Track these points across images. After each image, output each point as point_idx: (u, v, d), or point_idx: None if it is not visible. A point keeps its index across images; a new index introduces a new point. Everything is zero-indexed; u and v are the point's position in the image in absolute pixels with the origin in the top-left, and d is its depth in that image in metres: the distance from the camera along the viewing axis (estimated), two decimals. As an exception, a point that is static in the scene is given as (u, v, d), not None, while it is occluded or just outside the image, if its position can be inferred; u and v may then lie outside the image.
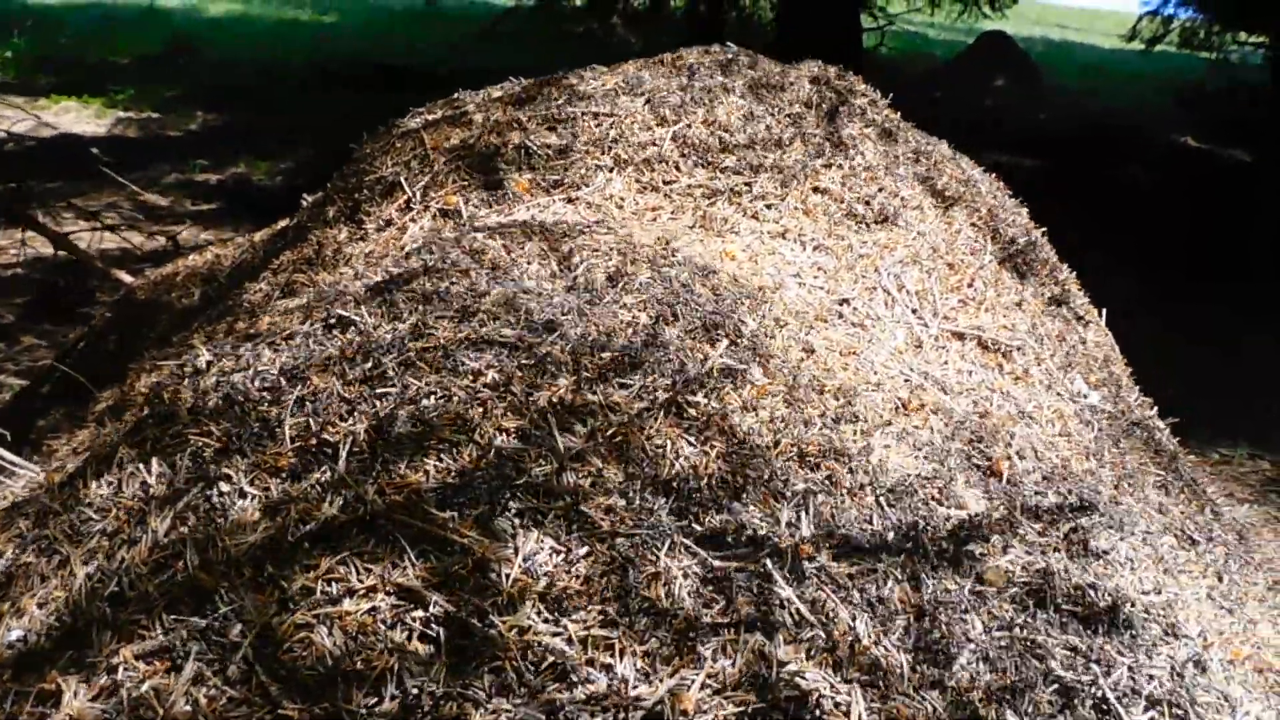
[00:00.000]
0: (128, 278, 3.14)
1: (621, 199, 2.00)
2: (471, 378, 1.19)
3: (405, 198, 2.03)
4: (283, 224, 2.81)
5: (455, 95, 2.41)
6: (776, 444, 1.30)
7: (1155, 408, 2.35)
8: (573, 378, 1.22)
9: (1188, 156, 10.31)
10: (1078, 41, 15.60)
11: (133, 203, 6.31)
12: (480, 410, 1.16)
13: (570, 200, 1.99)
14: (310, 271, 1.98)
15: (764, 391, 1.36)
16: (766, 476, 1.24)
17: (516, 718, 0.96)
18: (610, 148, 2.07)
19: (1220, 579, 1.70)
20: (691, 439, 1.24)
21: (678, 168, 2.06)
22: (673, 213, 1.98)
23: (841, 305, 1.78)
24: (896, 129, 2.28)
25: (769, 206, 2.00)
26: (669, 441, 1.21)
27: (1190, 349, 6.55)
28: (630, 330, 1.35)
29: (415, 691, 0.97)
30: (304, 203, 2.60)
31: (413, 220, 1.97)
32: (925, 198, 2.13)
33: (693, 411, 1.26)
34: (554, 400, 1.18)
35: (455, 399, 1.17)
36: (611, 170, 2.04)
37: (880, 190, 2.07)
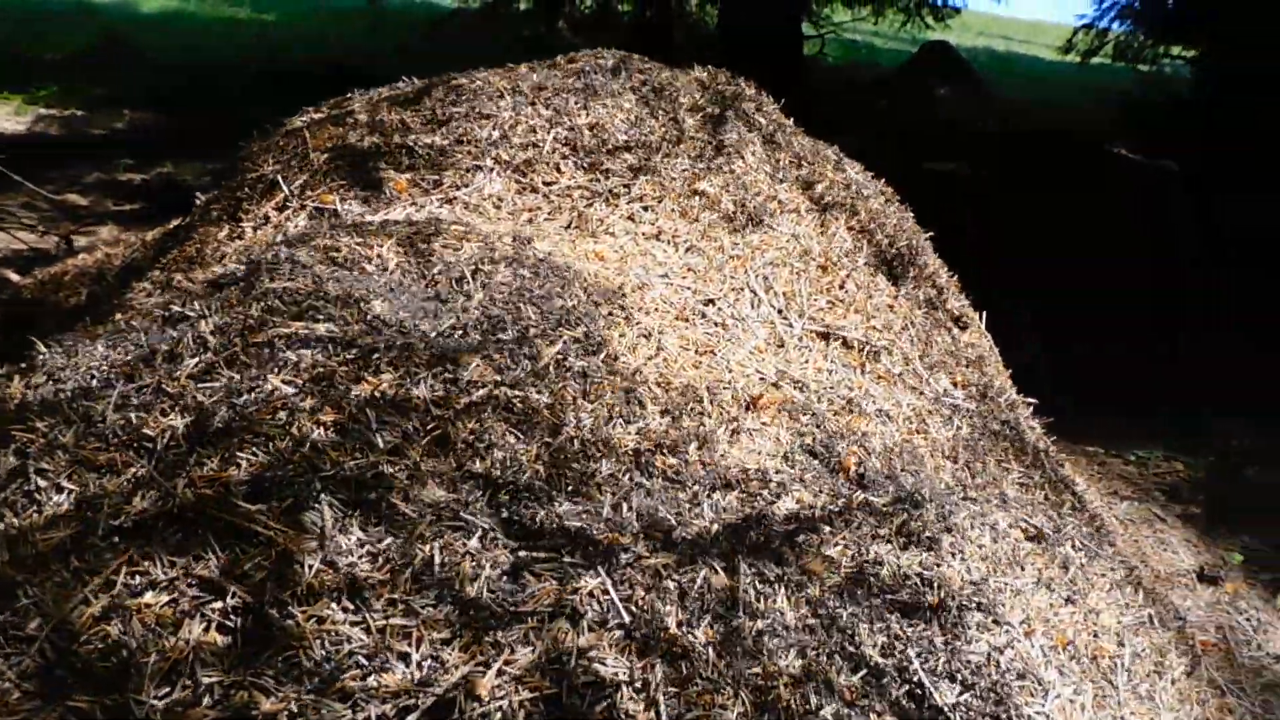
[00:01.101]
0: (15, 276, 3.09)
1: (500, 199, 2.03)
2: (293, 372, 1.21)
3: (283, 196, 2.04)
4: (175, 223, 2.80)
5: (346, 95, 2.42)
6: (608, 439, 1.33)
7: (1031, 408, 2.43)
8: (398, 372, 1.24)
9: (1119, 165, 10.63)
10: (1021, 53, 15.98)
11: (50, 203, 6.19)
12: (299, 404, 1.18)
13: (448, 200, 2.02)
14: (189, 270, 1.98)
15: (602, 388, 1.40)
16: (592, 471, 1.27)
17: (307, 705, 0.98)
18: (492, 149, 2.10)
19: (1066, 569, 1.77)
20: (519, 434, 1.27)
21: (559, 169, 2.10)
22: (550, 213, 2.01)
23: (707, 305, 1.83)
24: (782, 134, 2.34)
25: (646, 209, 2.04)
26: (493, 436, 1.24)
27: (1116, 351, 6.75)
28: (468, 327, 1.38)
29: (207, 681, 0.99)
30: (198, 202, 2.59)
31: (289, 219, 1.98)
32: (804, 202, 2.19)
33: (521, 406, 1.29)
34: (375, 394, 1.20)
35: (276, 393, 1.19)
36: (492, 171, 2.07)
37: (758, 194, 2.13)
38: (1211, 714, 1.83)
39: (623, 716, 1.06)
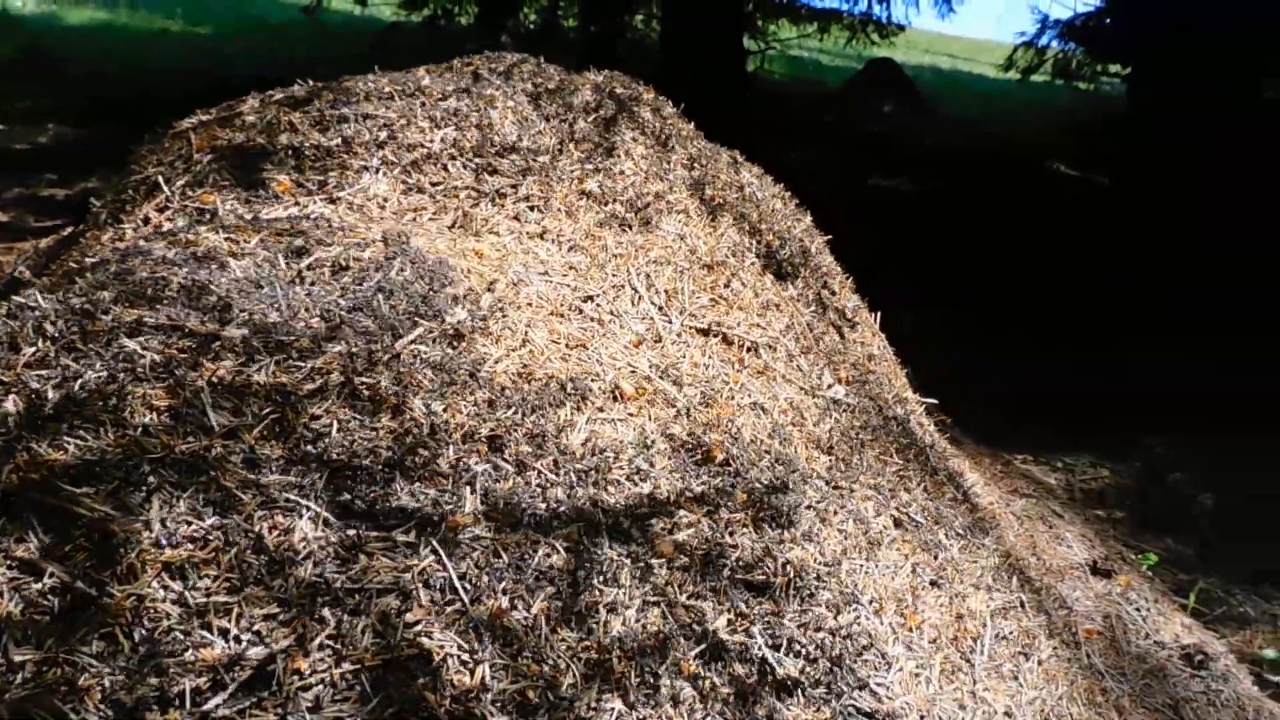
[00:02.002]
0: (-97, 285, 3.05)
1: (385, 199, 2.07)
2: (130, 359, 1.23)
3: (164, 197, 2.06)
4: (69, 230, 2.79)
5: (240, 98, 2.45)
6: (458, 426, 1.38)
7: (922, 406, 2.52)
8: (239, 359, 1.28)
9: (1055, 181, 10.97)
10: (966, 71, 16.42)
11: (-37, 218, 6.08)
12: (133, 389, 1.20)
13: (332, 200, 2.05)
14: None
15: (457, 377, 1.44)
16: (437, 456, 1.31)
17: (120, 680, 1.00)
18: (379, 149, 2.14)
19: (935, 556, 1.85)
20: (363, 420, 1.31)
21: (446, 170, 2.15)
22: (435, 213, 2.06)
23: (585, 302, 1.88)
24: (676, 137, 2.42)
25: (532, 208, 2.10)
26: (335, 422, 1.27)
27: (1053, 362, 6.96)
28: (322, 316, 1.42)
29: (19, 659, 1.01)
30: (93, 207, 2.59)
31: (168, 220, 2.00)
32: (694, 203, 2.27)
33: (368, 394, 1.33)
34: (213, 380, 1.23)
35: (110, 379, 1.22)
36: (378, 171, 2.11)
37: (646, 195, 2.20)
38: (1080, 694, 1.91)
39: (448, 687, 1.10)
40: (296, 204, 2.03)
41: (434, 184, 2.12)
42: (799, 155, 10.64)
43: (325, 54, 10.50)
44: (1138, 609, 2.64)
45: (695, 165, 2.37)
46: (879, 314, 2.59)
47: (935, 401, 2.93)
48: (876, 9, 13.24)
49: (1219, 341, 7.15)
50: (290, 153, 2.13)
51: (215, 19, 12.46)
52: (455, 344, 1.50)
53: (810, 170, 10.38)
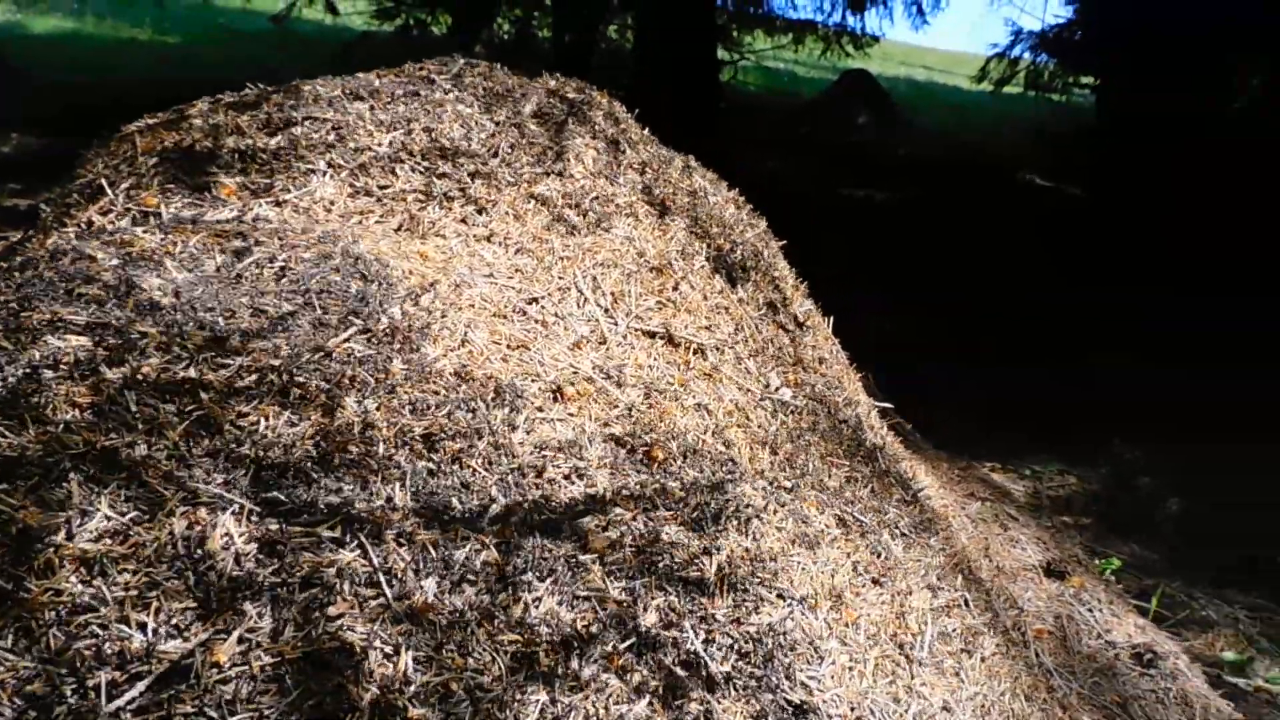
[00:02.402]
0: None
1: (331, 202, 2.08)
2: (54, 355, 1.24)
3: (107, 200, 2.06)
4: (18, 236, 2.78)
5: (191, 102, 2.46)
6: (391, 424, 1.39)
7: (875, 410, 2.56)
8: (166, 356, 1.29)
9: (1029, 192, 11.12)
10: (941, 83, 16.63)
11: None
12: (56, 386, 1.21)
13: (278, 203, 2.06)
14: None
15: (391, 376, 1.46)
16: (367, 453, 1.33)
17: (34, 672, 1.01)
18: (327, 152, 2.16)
19: (878, 555, 1.88)
20: (293, 417, 1.32)
21: (394, 173, 2.16)
22: (382, 216, 2.08)
23: (529, 304, 1.90)
24: (628, 141, 2.45)
25: (480, 211, 2.12)
26: (263, 419, 1.29)
27: (1024, 370, 7.05)
28: (255, 315, 1.43)
29: (-69, 654, 1.01)
30: (42, 213, 2.59)
31: (110, 222, 2.01)
32: (644, 206, 2.30)
33: (299, 392, 1.35)
34: (138, 377, 1.24)
35: (35, 375, 1.22)
36: (326, 174, 2.13)
37: (595, 198, 2.22)
38: (1024, 690, 1.94)
39: (370, 679, 1.11)
40: (241, 206, 2.04)
41: (381, 187, 2.14)
42: (773, 165, 10.75)
43: (295, 63, 10.49)
44: (1090, 609, 2.69)
45: (647, 169, 2.41)
46: (831, 319, 2.63)
47: (891, 405, 2.97)
48: (851, 20, 13.39)
49: (1188, 350, 7.27)
50: (237, 156, 2.14)
51: (184, 28, 12.42)
52: (391, 343, 1.52)
53: (783, 180, 10.50)
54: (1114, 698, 2.35)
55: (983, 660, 1.91)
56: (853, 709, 1.41)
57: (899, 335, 7.39)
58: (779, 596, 1.52)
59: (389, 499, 1.30)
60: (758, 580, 1.51)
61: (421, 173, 2.18)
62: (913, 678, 1.64)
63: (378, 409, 1.40)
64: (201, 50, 11.32)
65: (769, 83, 14.54)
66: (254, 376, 1.32)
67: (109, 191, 2.07)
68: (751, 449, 1.89)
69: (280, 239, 1.75)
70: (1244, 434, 6.22)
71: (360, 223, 2.05)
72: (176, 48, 11.54)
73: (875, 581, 1.81)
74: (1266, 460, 6.04)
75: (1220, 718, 2.43)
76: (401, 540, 1.25)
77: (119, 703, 1.01)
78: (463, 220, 2.09)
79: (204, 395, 1.27)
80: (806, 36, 13.63)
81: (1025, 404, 6.82)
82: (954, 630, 1.91)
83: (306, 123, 2.22)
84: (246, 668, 1.07)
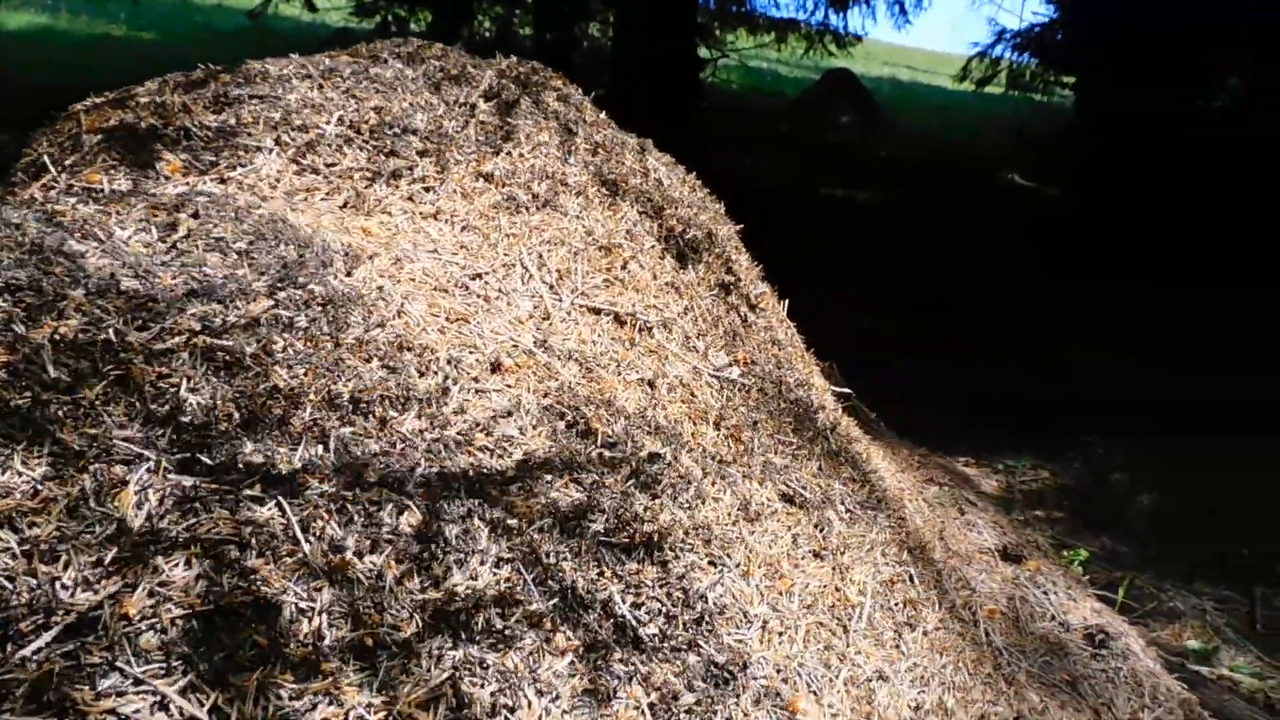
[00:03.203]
0: None
1: (277, 179, 2.09)
2: (-29, 315, 1.25)
3: (50, 177, 2.07)
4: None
5: (140, 81, 2.47)
6: (319, 389, 1.41)
7: (829, 392, 2.59)
8: (86, 318, 1.30)
9: (1009, 191, 11.21)
10: (925, 83, 16.74)
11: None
12: (-27, 345, 1.22)
13: (222, 180, 2.07)
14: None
15: (321, 343, 1.47)
16: (292, 416, 1.34)
17: (-63, 625, 1.02)
18: (274, 130, 2.17)
19: (822, 530, 1.90)
20: (217, 380, 1.33)
21: (342, 151, 2.18)
22: (328, 193, 2.09)
23: (473, 279, 1.92)
24: (582, 123, 2.47)
25: (428, 190, 2.14)
26: (185, 380, 1.30)
27: (1003, 367, 7.10)
28: (183, 281, 1.45)
29: None
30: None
31: (51, 197, 2.01)
32: (595, 187, 2.32)
33: (224, 355, 1.36)
34: (55, 338, 1.25)
35: (-48, 335, 1.23)
36: (272, 152, 2.14)
37: (546, 178, 2.24)
38: (968, 665, 1.97)
39: (283, 633, 1.12)
40: (185, 183, 2.05)
41: (328, 165, 2.15)
42: (752, 163, 10.80)
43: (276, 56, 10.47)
44: (1045, 593, 2.72)
45: (599, 150, 2.43)
46: (786, 302, 2.65)
47: (849, 391, 3.00)
48: (833, 19, 13.47)
49: (1166, 346, 7.35)
50: (183, 134, 2.15)
51: (160, 25, 12.38)
52: (323, 311, 1.53)
53: (763, 178, 10.54)
54: (1063, 676, 2.38)
55: (925, 634, 1.94)
56: (778, 670, 1.43)
57: (879, 332, 7.44)
58: (711, 564, 1.54)
59: (313, 461, 1.31)
60: (690, 548, 1.53)
61: (370, 151, 2.19)
62: (848, 646, 1.66)
63: (306, 374, 1.41)
64: (179, 48, 11.28)
65: (752, 82, 14.60)
66: (178, 339, 1.33)
67: (51, 169, 2.08)
68: (695, 424, 1.91)
69: (219, 212, 1.77)
70: (1220, 429, 6.29)
71: (305, 199, 2.06)
72: (153, 44, 11.51)
73: (816, 555, 1.83)
74: (1242, 455, 6.11)
75: (1170, 697, 2.46)
76: (323, 500, 1.26)
77: (25, 652, 1.02)
78: (409, 198, 2.11)
79: (125, 356, 1.28)
80: (789, 35, 13.70)
81: (1002, 400, 6.88)
82: (897, 604, 1.93)
83: (254, 101, 2.23)
84: (157, 619, 1.08)
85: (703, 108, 12.47)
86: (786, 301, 2.66)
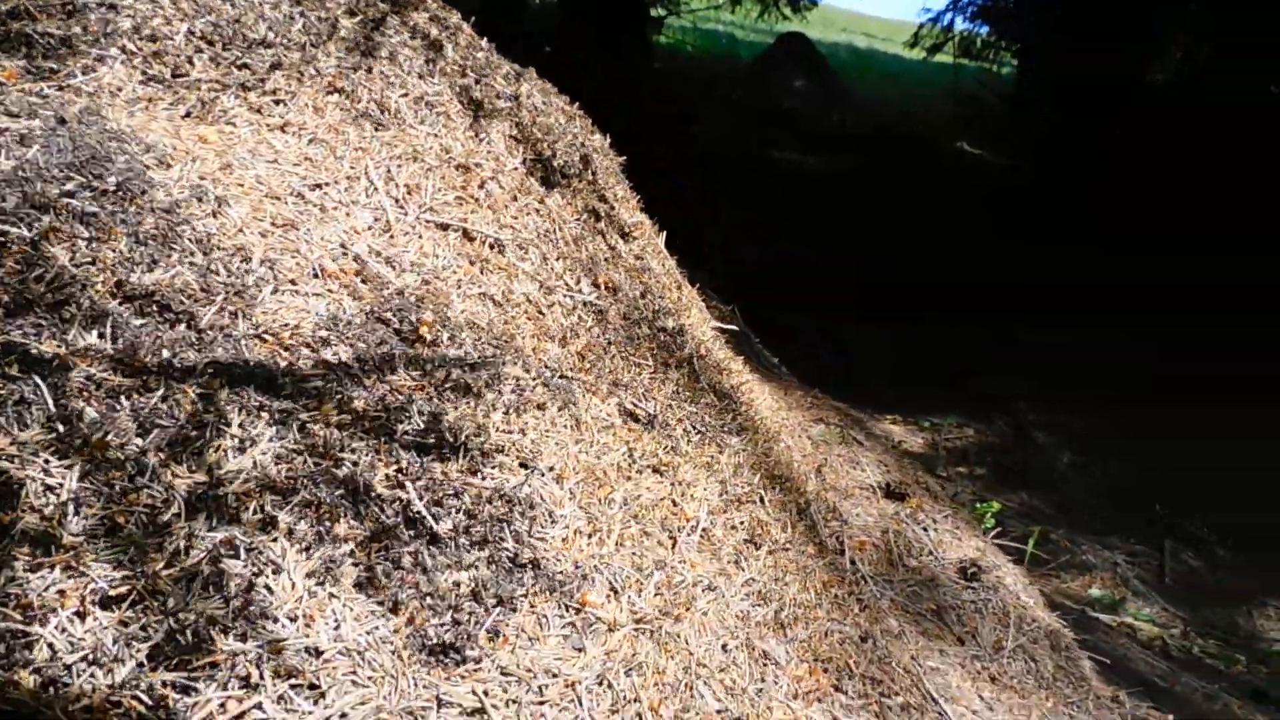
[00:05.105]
0: None
1: (118, 88, 2.04)
2: None
3: (-125, 80, 2.00)
4: None
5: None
6: (108, 278, 1.38)
7: (710, 326, 2.60)
8: None
9: (959, 160, 11.30)
10: (882, 50, 16.77)
11: None
12: None
13: (61, 88, 2.02)
14: None
15: (114, 232, 1.45)
16: (70, 301, 1.32)
17: None
18: (120, 39, 2.11)
19: (664, 448, 1.91)
20: (-11, 262, 1.30)
21: (191, 62, 2.13)
22: (172, 103, 2.04)
23: (312, 189, 1.89)
24: (453, 45, 2.44)
25: (278, 102, 2.10)
26: (-50, 259, 1.27)
27: (944, 333, 7.19)
28: (-35, 166, 1.41)
29: None
30: None
31: (-126, 102, 1.95)
32: (459, 108, 2.29)
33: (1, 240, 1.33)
34: None
35: None
36: (117, 61, 2.09)
37: (405, 95, 2.21)
38: (817, 586, 2.00)
39: (27, 509, 1.10)
40: (23, 91, 1.99)
41: (176, 76, 2.10)
42: (699, 128, 10.77)
43: None
44: (926, 529, 2.76)
45: (468, 72, 2.40)
46: (665, 233, 2.65)
47: (737, 329, 3.02)
48: (788, -18, 13.43)
49: (1108, 315, 7.46)
50: (22, 40, 2.08)
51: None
52: (123, 204, 1.50)
53: (713, 141, 10.51)
54: (930, 606, 2.42)
55: (771, 554, 1.96)
56: (577, 567, 1.44)
57: (823, 292, 7.48)
58: (522, 466, 1.55)
59: (91, 347, 1.29)
60: (501, 450, 1.53)
61: (221, 64, 2.15)
62: (672, 555, 1.67)
63: (92, 262, 1.39)
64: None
65: (707, 45, 14.54)
66: (-55, 219, 1.30)
67: (-124, 71, 2.01)
68: (538, 340, 1.91)
69: (37, 113, 1.72)
70: (1155, 396, 6.42)
71: (146, 109, 2.02)
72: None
73: (655, 470, 1.84)
74: (1172, 421, 6.24)
75: (1037, 628, 2.52)
76: (89, 383, 1.24)
77: None
78: (258, 110, 2.07)
79: (-117, 234, 1.25)
80: (743, -3, 13.63)
81: (935, 362, 6.96)
82: (742, 523, 1.95)
83: (104, 9, 2.17)
84: (-115, 492, 1.06)
85: (655, 70, 12.38)
86: (664, 234, 2.66)
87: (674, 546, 1.70)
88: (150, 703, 1.03)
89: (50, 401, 1.19)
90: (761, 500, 2.06)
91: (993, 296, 7.56)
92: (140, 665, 1.06)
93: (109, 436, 1.20)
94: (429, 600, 1.29)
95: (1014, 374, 6.73)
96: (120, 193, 1.51)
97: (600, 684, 1.29)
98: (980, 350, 7.13)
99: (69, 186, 1.46)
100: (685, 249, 3.10)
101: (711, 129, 10.75)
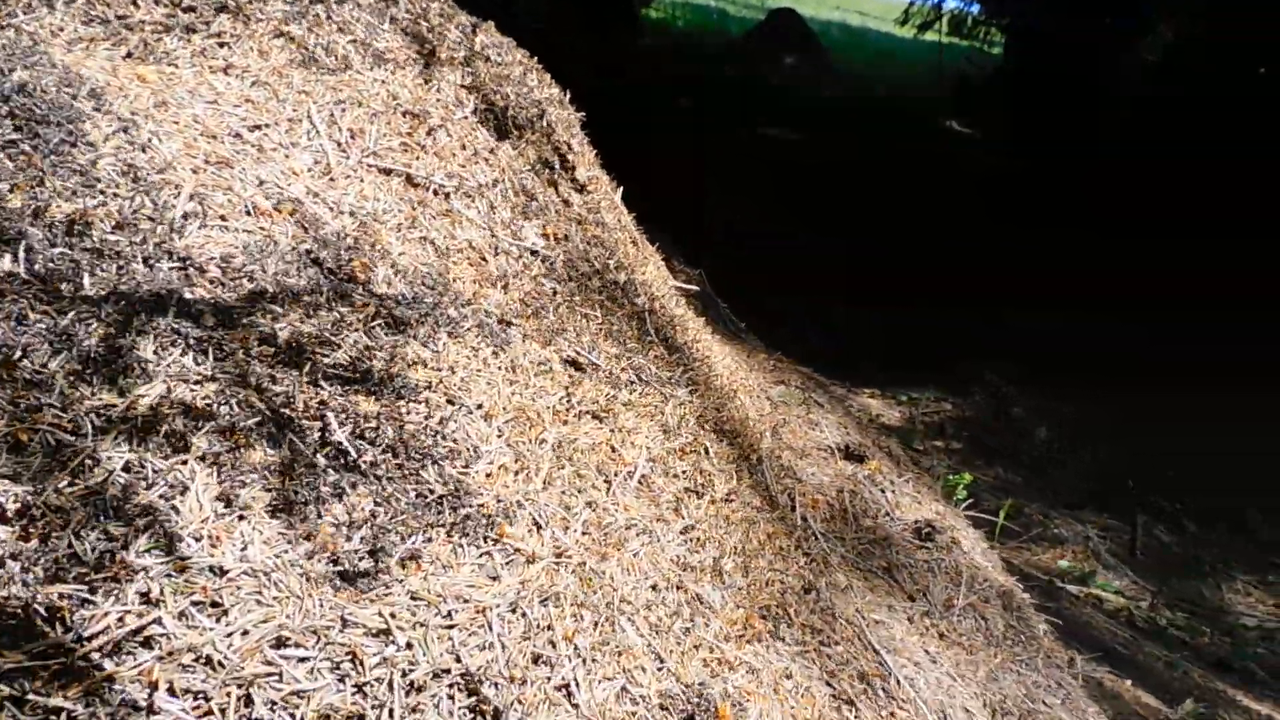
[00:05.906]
0: None
1: (60, 28, 2.03)
2: None
3: None
4: None
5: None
6: (30, 209, 1.38)
7: (667, 282, 2.60)
8: None
9: (947, 139, 11.29)
10: (875, 29, 16.72)
11: None
12: None
13: (1, 27, 2.01)
14: None
15: (35, 162, 1.44)
16: (-16, 223, 1.31)
17: None
18: (61, -19, 2.10)
19: (608, 397, 1.92)
20: (-100, 183, 1.30)
21: (135, 4, 2.12)
22: (113, 44, 2.03)
23: (251, 130, 1.89)
24: (407, -6, 2.42)
25: (222, 45, 2.08)
26: None
27: (930, 312, 7.20)
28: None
29: None
30: None
31: None
32: (412, 56, 2.28)
33: (-89, 159, 1.32)
34: None
35: None
36: (60, 1, 2.07)
37: (354, 41, 2.20)
38: (761, 539, 2.01)
39: (-75, 426, 1.11)
40: (-43, 28, 1.98)
41: (119, 17, 2.09)
42: (688, 102, 10.73)
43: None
44: (884, 491, 2.78)
45: (421, 21, 2.39)
46: (621, 188, 2.65)
47: (695, 289, 3.02)
48: (780, -42, 13.38)
49: (1099, 299, 7.48)
50: (-39, -21, 2.07)
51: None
52: (43, 132, 1.49)
53: (704, 115, 10.48)
54: (882, 563, 2.44)
55: (713, 503, 1.97)
56: (499, 501, 1.45)
57: (808, 266, 7.48)
58: (449, 402, 1.55)
59: (2, 269, 1.29)
60: (429, 386, 1.54)
61: (166, 6, 2.13)
62: (605, 497, 1.68)
63: (11, 189, 1.38)
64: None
65: (697, 20, 14.47)
66: None
67: None
68: (479, 285, 1.91)
69: (-35, 44, 1.71)
70: (1148, 380, 6.45)
71: (86, 48, 2.00)
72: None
73: (594, 416, 1.85)
74: (1153, 401, 6.27)
75: (989, 587, 2.54)
76: (1, 304, 1.24)
77: None
78: (201, 52, 2.06)
79: None
80: (735, -27, 13.57)
81: (917, 339, 6.98)
82: (685, 472, 1.96)
83: (43, -50, 2.15)
84: None
85: (644, 45, 12.33)
86: (621, 189, 2.65)
87: (608, 490, 1.71)
88: (45, 614, 1.04)
89: (-44, 320, 1.19)
90: (707, 451, 2.07)
91: (983, 280, 7.56)
92: (38, 579, 1.07)
93: (15, 355, 1.20)
94: (344, 530, 1.29)
95: (1004, 358, 6.75)
96: (46, 123, 1.51)
97: (514, 611, 1.30)
98: (970, 334, 7.13)
99: (-12, 114, 1.45)
100: (654, 215, 3.10)
101: (697, 103, 10.72)
